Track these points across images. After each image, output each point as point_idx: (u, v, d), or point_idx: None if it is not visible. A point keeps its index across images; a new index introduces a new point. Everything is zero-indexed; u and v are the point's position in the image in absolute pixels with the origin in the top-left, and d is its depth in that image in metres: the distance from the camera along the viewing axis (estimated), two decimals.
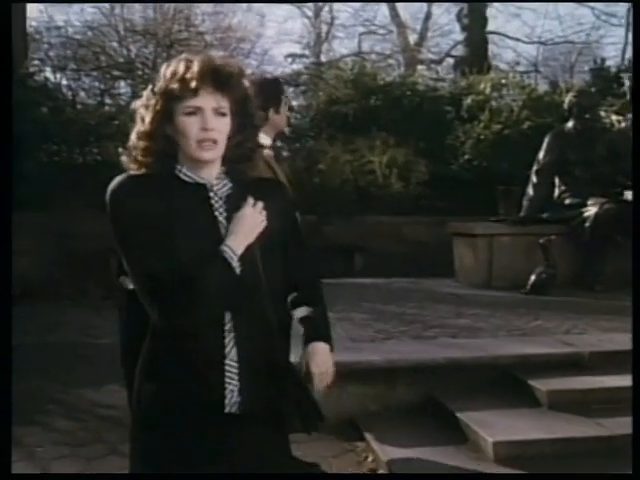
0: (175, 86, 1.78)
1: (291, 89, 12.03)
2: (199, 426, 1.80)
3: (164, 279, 1.71)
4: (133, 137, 1.85)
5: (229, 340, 1.80)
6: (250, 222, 1.82)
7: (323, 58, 20.19)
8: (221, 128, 1.81)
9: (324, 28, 21.99)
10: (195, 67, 1.78)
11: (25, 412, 4.39)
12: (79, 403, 4.64)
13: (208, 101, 1.79)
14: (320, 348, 1.97)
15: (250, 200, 1.84)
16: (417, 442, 3.70)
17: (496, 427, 3.61)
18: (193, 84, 1.76)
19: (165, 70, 1.83)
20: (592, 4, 17.75)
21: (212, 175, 1.87)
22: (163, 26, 14.08)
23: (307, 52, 20.97)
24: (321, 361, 1.97)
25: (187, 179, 1.85)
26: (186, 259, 1.73)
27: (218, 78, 1.80)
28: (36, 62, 11.92)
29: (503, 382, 4.17)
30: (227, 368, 1.80)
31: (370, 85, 11.32)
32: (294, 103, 11.83)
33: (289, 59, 18.64)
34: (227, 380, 1.81)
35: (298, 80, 12.46)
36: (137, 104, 1.87)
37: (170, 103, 1.80)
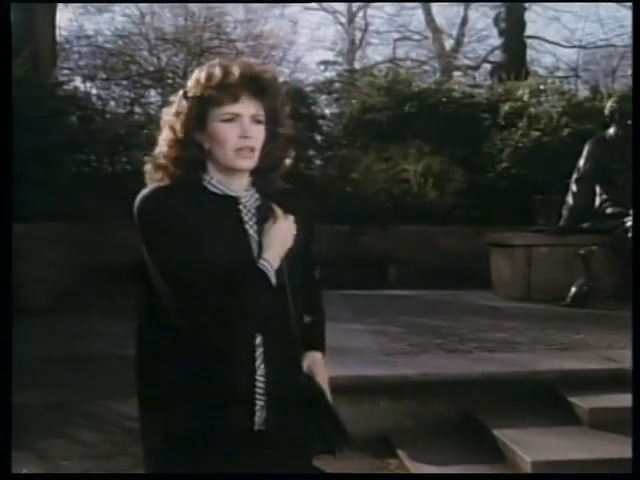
0: (213, 91, 1.74)
1: (324, 97, 12.04)
2: (227, 444, 1.75)
3: (198, 288, 1.68)
4: (162, 146, 1.80)
5: (259, 355, 1.77)
6: (283, 235, 1.79)
7: (357, 65, 20.24)
8: (258, 136, 1.78)
9: (358, 35, 22.05)
10: (236, 72, 1.74)
11: (51, 424, 4.39)
12: (106, 415, 4.66)
13: (247, 108, 1.76)
14: (316, 357, 1.99)
15: (281, 212, 1.81)
16: (452, 460, 3.64)
17: (535, 446, 3.53)
18: (234, 90, 1.73)
19: (198, 74, 1.78)
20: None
21: (241, 186, 1.83)
22: (194, 34, 14.21)
23: (340, 59, 21.04)
24: (320, 368, 1.98)
25: (216, 191, 1.81)
26: (219, 272, 1.69)
27: (258, 85, 1.77)
28: (66, 71, 12.11)
29: (542, 399, 4.07)
30: (257, 384, 1.77)
31: (405, 92, 11.27)
32: (327, 111, 11.86)
33: (322, 66, 18.73)
34: (257, 397, 1.77)
35: (331, 88, 12.50)
36: (166, 112, 1.82)
37: (205, 108, 1.75)
